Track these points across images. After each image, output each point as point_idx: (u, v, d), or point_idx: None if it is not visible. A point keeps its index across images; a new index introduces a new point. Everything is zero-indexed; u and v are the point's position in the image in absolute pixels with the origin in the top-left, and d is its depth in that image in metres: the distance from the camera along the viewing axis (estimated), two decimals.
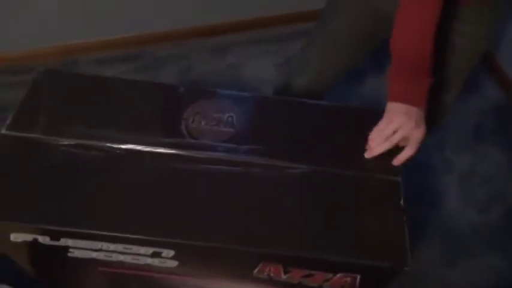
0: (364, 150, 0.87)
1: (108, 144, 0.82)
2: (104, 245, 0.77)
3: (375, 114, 0.90)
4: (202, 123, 0.87)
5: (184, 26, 2.00)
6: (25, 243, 0.78)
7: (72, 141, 0.82)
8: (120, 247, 0.77)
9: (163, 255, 0.78)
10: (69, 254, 0.81)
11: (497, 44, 2.02)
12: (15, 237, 0.77)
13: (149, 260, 0.80)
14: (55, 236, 0.76)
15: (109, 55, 1.95)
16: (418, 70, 0.89)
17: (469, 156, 1.81)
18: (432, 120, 0.94)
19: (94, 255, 0.80)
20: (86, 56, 1.93)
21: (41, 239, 0.77)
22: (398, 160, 0.86)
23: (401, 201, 0.80)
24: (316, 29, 1.23)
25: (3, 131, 0.82)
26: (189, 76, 1.94)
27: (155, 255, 0.78)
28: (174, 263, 0.80)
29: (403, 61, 0.90)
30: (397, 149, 0.87)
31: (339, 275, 0.78)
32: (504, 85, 2.04)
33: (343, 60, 1.23)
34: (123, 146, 0.82)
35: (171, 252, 0.77)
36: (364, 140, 0.88)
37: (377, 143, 0.87)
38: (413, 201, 0.84)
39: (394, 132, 0.86)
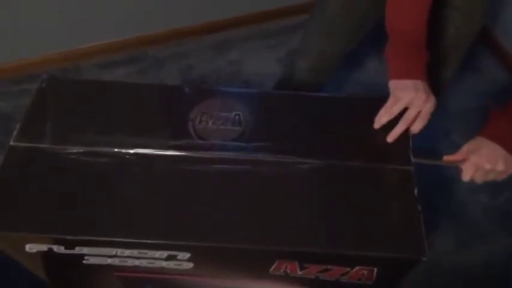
0: (373, 140, 0.86)
1: (117, 150, 0.82)
2: (119, 251, 0.77)
3: (382, 102, 0.89)
4: (210, 123, 0.87)
5: (183, 25, 1.99)
6: (40, 253, 0.78)
7: (81, 149, 0.82)
8: (135, 252, 0.77)
9: (178, 257, 0.78)
10: (85, 262, 0.81)
11: (503, 28, 2.00)
12: (30, 247, 0.77)
13: (164, 263, 0.80)
14: (70, 245, 0.76)
15: (110, 59, 1.94)
16: (415, 45, 0.89)
17: None
18: None
19: (109, 261, 0.80)
20: (88, 60, 1.93)
21: (56, 248, 0.77)
22: (412, 131, 0.87)
23: (415, 191, 0.79)
24: (314, 10, 1.23)
25: (12, 142, 0.82)
26: (191, 75, 1.93)
27: (170, 258, 0.78)
28: (189, 265, 0.80)
29: (400, 38, 0.90)
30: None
31: (356, 269, 0.78)
32: (509, 66, 2.02)
33: (342, 40, 1.23)
34: (132, 151, 0.82)
35: (187, 255, 0.77)
36: (372, 130, 0.88)
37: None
38: (423, 187, 0.83)
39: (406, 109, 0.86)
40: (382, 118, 0.88)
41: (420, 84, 0.87)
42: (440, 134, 1.80)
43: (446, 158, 0.88)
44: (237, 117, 0.88)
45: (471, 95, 1.93)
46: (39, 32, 1.79)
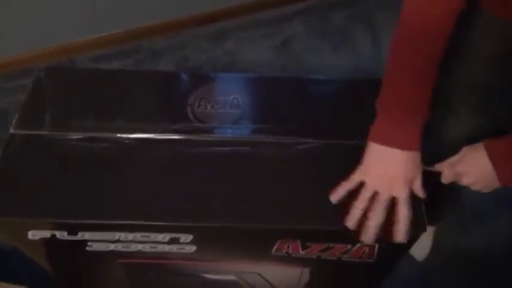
0: (371, 120, 0.86)
1: (118, 135, 0.82)
2: (122, 235, 0.78)
3: (376, 85, 0.89)
4: (208, 107, 0.87)
5: (178, 16, 1.98)
6: (43, 240, 0.79)
7: (81, 135, 0.82)
8: (138, 236, 0.78)
9: (181, 240, 0.78)
10: (88, 248, 0.81)
11: None
12: (33, 234, 0.77)
13: (167, 247, 0.80)
14: (73, 230, 0.76)
15: (105, 52, 1.94)
16: (413, 108, 0.72)
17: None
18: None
19: (112, 246, 0.81)
20: (83, 54, 1.92)
21: (59, 234, 0.77)
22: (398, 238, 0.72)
23: None
24: None
25: (12, 130, 0.82)
26: (187, 66, 1.93)
27: (173, 241, 0.78)
28: (192, 248, 0.81)
29: (395, 96, 0.73)
30: None
31: (357, 246, 0.78)
32: None
33: None
34: (132, 136, 0.82)
35: (189, 237, 0.77)
36: (368, 111, 0.87)
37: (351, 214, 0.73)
38: None
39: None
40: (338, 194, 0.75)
41: (398, 158, 0.71)
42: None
43: (437, 166, 0.80)
44: (235, 100, 0.88)
45: None
46: (33, 27, 1.78)
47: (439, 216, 1.28)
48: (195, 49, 1.99)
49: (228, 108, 0.87)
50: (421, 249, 1.45)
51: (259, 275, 0.96)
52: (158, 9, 1.93)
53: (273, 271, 0.94)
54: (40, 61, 1.85)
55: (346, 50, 1.97)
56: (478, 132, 0.86)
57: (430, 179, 0.79)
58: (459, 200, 1.26)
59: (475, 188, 0.78)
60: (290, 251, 0.81)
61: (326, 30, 2.06)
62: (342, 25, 2.07)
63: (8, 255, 1.22)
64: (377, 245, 0.78)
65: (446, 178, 0.79)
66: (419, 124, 0.72)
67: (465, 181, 0.78)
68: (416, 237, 0.76)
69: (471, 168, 0.77)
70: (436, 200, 0.82)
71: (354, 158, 0.81)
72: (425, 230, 0.73)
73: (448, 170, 0.78)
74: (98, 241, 0.80)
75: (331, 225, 0.75)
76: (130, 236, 0.78)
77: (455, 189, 0.95)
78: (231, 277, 0.99)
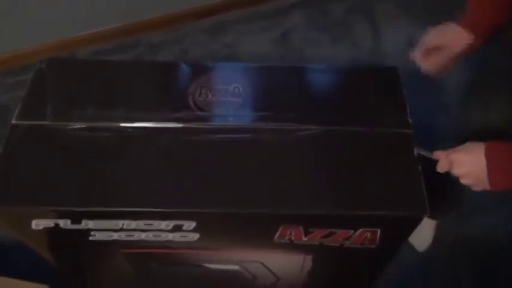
0: (371, 106, 0.87)
1: (119, 124, 0.82)
2: (125, 224, 0.78)
3: (376, 72, 0.90)
4: (209, 95, 0.87)
5: (176, 10, 1.98)
6: (46, 230, 0.79)
7: (83, 125, 0.82)
8: (141, 224, 0.78)
9: (184, 228, 0.78)
10: (91, 238, 0.82)
11: None
12: (37, 224, 0.78)
13: (170, 235, 0.81)
14: (76, 218, 0.76)
15: (105, 46, 1.94)
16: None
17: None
18: None
19: (115, 236, 0.81)
20: (82, 49, 1.92)
21: (62, 223, 0.77)
22: None
23: (415, 153, 0.80)
24: None
25: (14, 121, 0.82)
26: (186, 59, 1.93)
27: (176, 228, 0.79)
28: (195, 236, 0.81)
29: None
30: None
31: (359, 231, 0.79)
32: None
33: None
34: (133, 125, 0.82)
35: (192, 224, 0.78)
36: (369, 98, 0.88)
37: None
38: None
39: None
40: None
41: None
42: (439, 108, 1.80)
43: (435, 153, 0.82)
44: (236, 89, 0.89)
45: (469, 68, 1.92)
46: (32, 21, 1.78)
47: (441, 213, 1.29)
48: (193, 43, 1.99)
49: (229, 96, 0.87)
50: (422, 239, 1.45)
51: (261, 263, 0.96)
52: (156, 3, 1.93)
53: (275, 259, 0.94)
54: (39, 56, 1.81)
55: (346, 42, 1.97)
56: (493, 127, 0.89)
57: (430, 167, 0.80)
58: (462, 198, 1.27)
59: (464, 181, 0.79)
60: (293, 238, 0.81)
61: (325, 23, 2.06)
62: (341, 17, 2.07)
63: (9, 249, 1.22)
64: (379, 230, 0.79)
65: (441, 167, 0.80)
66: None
67: (456, 171, 0.79)
68: (417, 221, 0.76)
69: (465, 160, 0.78)
70: (439, 197, 0.84)
71: (353, 144, 0.82)
72: (427, 213, 0.73)
73: (444, 159, 0.80)
74: (101, 230, 0.80)
75: (333, 209, 0.75)
76: (134, 224, 0.78)
77: (459, 186, 0.97)
78: (233, 267, 0.99)
